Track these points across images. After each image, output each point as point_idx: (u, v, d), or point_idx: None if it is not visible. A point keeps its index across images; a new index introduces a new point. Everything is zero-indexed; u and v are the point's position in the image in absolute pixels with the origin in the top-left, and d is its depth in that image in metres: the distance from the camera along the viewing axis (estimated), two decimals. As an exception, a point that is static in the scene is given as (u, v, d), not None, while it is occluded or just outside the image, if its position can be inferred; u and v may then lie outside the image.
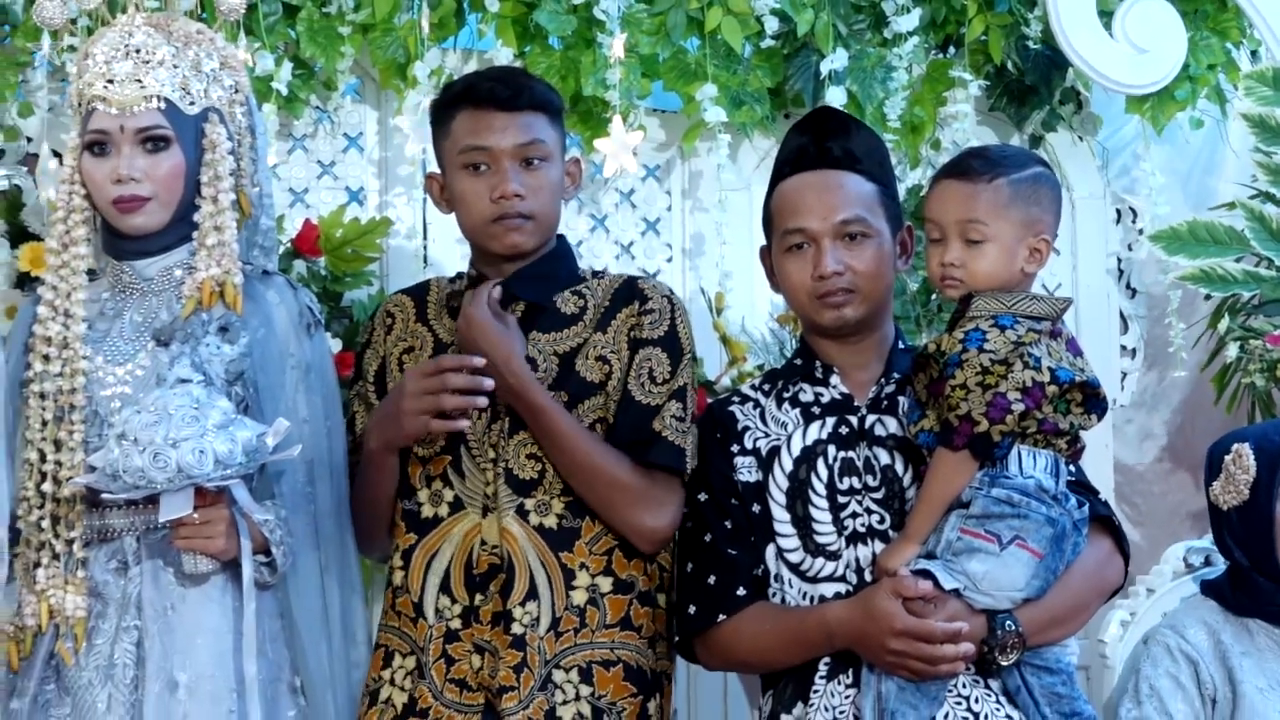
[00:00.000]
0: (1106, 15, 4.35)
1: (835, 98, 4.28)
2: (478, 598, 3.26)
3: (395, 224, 4.27)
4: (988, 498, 3.10)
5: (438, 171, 3.43)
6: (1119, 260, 4.62)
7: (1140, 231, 4.57)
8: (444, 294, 3.45)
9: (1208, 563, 3.83)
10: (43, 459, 3.27)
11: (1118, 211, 4.63)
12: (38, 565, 3.27)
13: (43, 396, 3.27)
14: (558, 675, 3.24)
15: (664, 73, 4.34)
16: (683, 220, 4.47)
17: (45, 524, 3.26)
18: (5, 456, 3.31)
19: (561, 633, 3.25)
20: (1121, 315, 4.62)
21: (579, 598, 3.26)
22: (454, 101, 3.38)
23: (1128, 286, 4.64)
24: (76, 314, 3.30)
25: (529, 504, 3.27)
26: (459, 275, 3.47)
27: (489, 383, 3.21)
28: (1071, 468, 3.21)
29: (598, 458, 3.25)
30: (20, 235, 4.03)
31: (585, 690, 3.24)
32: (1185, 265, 4.41)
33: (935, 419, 3.14)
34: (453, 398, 3.21)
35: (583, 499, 3.26)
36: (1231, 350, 4.40)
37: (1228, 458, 3.60)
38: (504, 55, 4.21)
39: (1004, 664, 3.11)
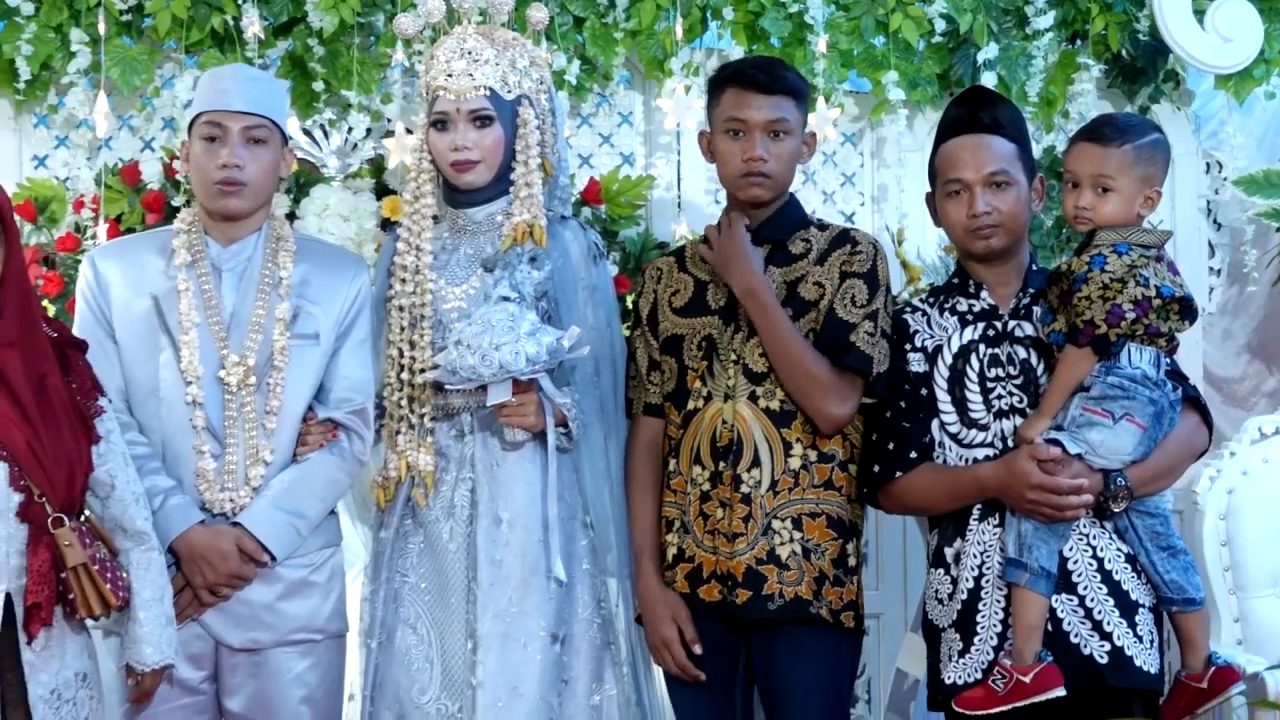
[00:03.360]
0: (1200, 13, 4.27)
1: (988, 81, 4.24)
2: (721, 464, 3.29)
3: (656, 180, 4.29)
4: (1104, 383, 3.09)
5: (708, 130, 3.43)
6: (1208, 201, 4.53)
7: (1225, 179, 4.49)
8: (697, 244, 3.45)
9: (1276, 432, 3.78)
10: (401, 355, 3.36)
11: (1206, 164, 4.54)
12: (398, 433, 3.37)
13: (401, 309, 3.37)
14: (775, 524, 3.26)
15: (857, 63, 4.33)
16: (871, 175, 4.46)
17: (404, 403, 3.36)
18: (373, 353, 3.41)
19: (778, 492, 3.26)
20: (1209, 244, 4.54)
21: (794, 464, 3.27)
22: (727, 80, 3.38)
23: (1214, 222, 4.56)
24: (425, 248, 3.38)
25: (759, 391, 3.28)
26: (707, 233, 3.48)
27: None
28: (1169, 360, 3.17)
29: (803, 353, 3.25)
30: (382, 190, 4.11)
31: (796, 535, 3.25)
32: (1260, 204, 4.34)
33: (1064, 323, 3.13)
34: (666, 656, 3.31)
35: (783, 384, 3.26)
36: (1296, 269, 4.36)
37: None
38: (737, 52, 4.22)
39: (1115, 510, 3.11)
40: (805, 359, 3.25)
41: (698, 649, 3.28)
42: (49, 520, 2.89)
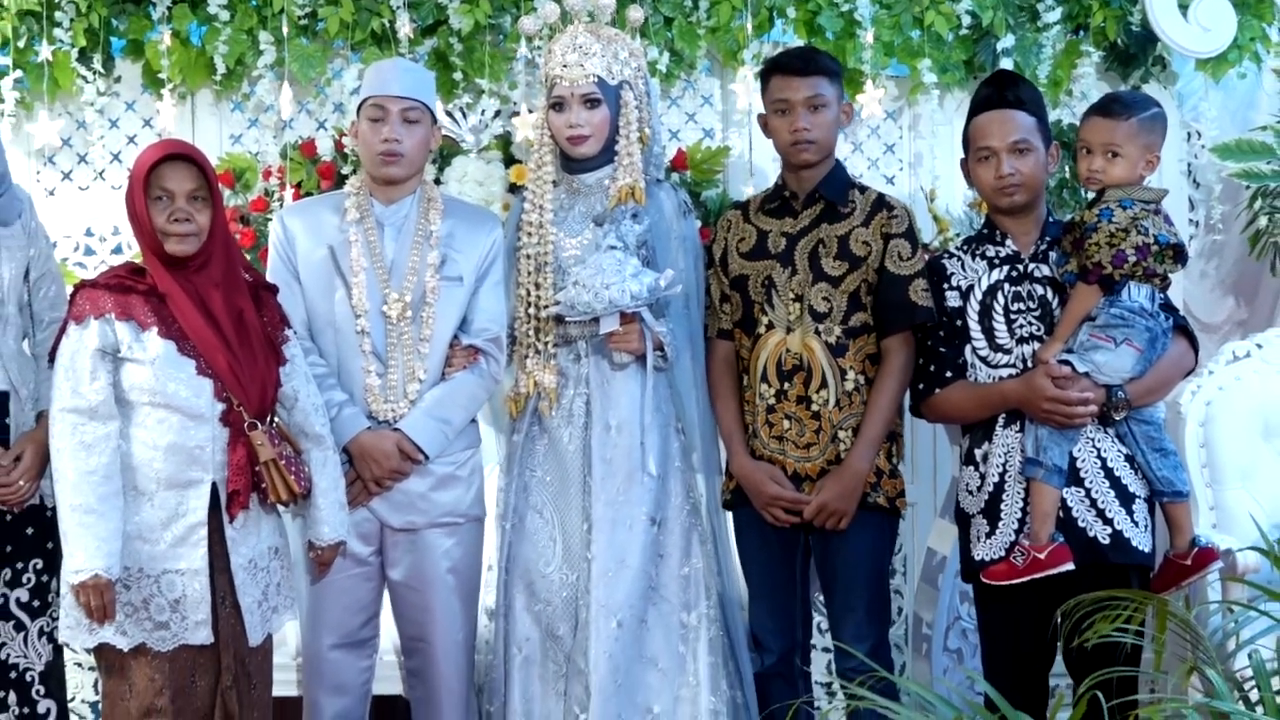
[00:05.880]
0: (1183, 7, 4.15)
1: (1005, 66, 4.13)
2: (784, 384, 3.25)
3: (731, 150, 4.22)
4: (1108, 314, 3.03)
5: (763, 112, 3.37)
6: (1188, 165, 4.42)
7: (1203, 146, 4.37)
8: (760, 200, 3.40)
9: (1248, 354, 3.68)
10: (529, 294, 3.32)
11: (1187, 134, 4.41)
12: (526, 357, 3.33)
13: (528, 257, 3.33)
14: (840, 434, 3.23)
15: (897, 52, 4.22)
16: (909, 144, 4.36)
17: (531, 333, 3.32)
18: (505, 292, 3.36)
19: (842, 407, 3.22)
20: (1190, 200, 4.43)
21: (850, 385, 3.23)
22: (771, 69, 3.33)
23: (1194, 181, 4.44)
24: (547, 207, 3.33)
25: (821, 327, 3.24)
26: (770, 188, 3.41)
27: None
28: (1162, 295, 3.10)
29: (888, 418, 3.23)
30: (509, 160, 4.07)
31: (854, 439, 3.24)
32: (1233, 167, 4.23)
33: (1076, 264, 3.06)
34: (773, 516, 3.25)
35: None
36: (1262, 220, 4.23)
37: None
38: (798, 44, 4.12)
39: (1116, 419, 3.05)
40: (892, 412, 3.24)
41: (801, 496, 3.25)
42: (245, 425, 2.91)
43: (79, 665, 3.91)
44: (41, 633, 3.06)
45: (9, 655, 3.03)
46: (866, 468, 3.21)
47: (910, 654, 3.96)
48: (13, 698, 3.02)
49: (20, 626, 3.04)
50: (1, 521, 3.03)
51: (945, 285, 3.22)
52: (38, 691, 3.05)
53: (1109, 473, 3.05)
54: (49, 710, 3.07)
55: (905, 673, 3.90)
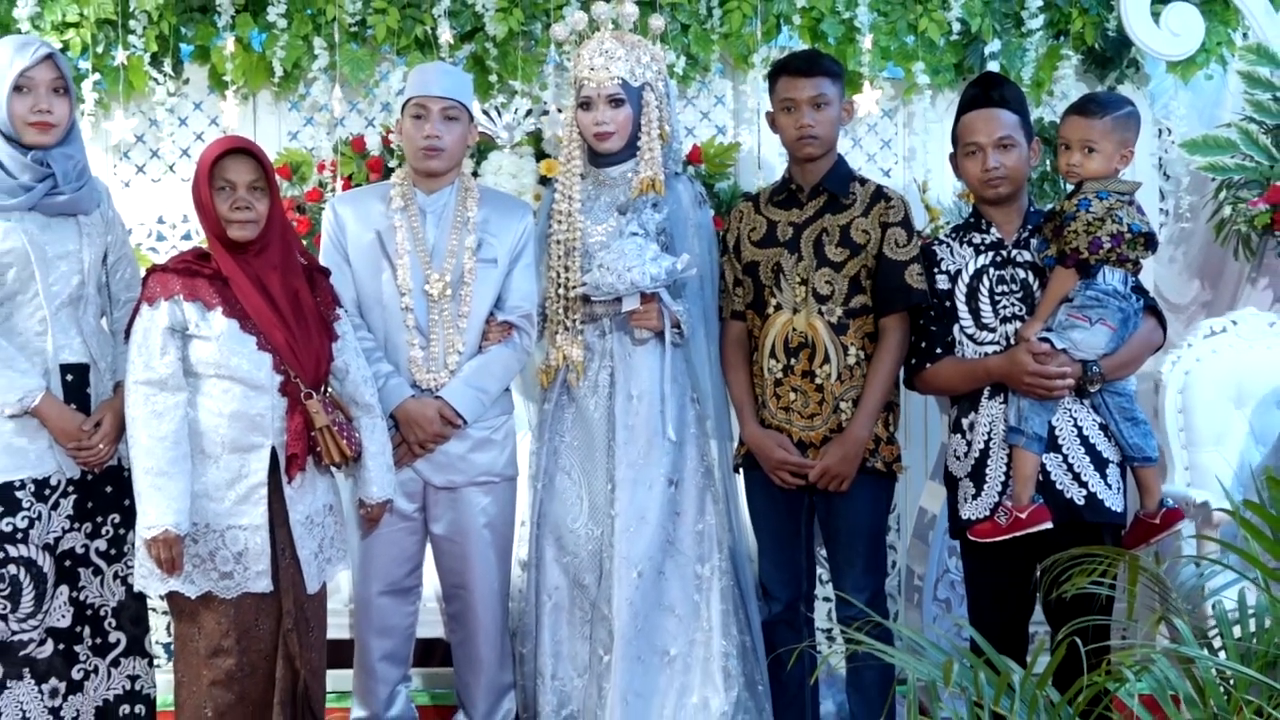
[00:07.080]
0: (1156, 14, 4.09)
1: (992, 69, 4.09)
2: (791, 360, 3.23)
3: (742, 145, 4.19)
4: (1084, 295, 3.00)
5: (771, 110, 3.33)
6: (1159, 159, 4.36)
7: (1173, 141, 4.31)
8: (769, 192, 3.37)
9: (1224, 330, 3.65)
10: (558, 276, 3.32)
11: (1158, 130, 4.36)
12: (556, 333, 3.33)
13: (558, 243, 3.32)
14: (842, 405, 3.21)
15: (893, 56, 4.18)
16: (904, 139, 4.32)
17: (561, 311, 3.32)
18: (536, 273, 3.35)
19: (843, 381, 3.20)
20: (1160, 191, 4.38)
21: (850, 360, 3.21)
22: (778, 70, 3.29)
23: (1164, 174, 4.39)
24: (575, 197, 3.32)
25: (824, 308, 3.21)
26: (778, 181, 3.39)
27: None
28: (1134, 278, 3.06)
29: (885, 390, 3.20)
30: (540, 155, 4.05)
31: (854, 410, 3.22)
32: (1200, 161, 4.16)
33: (1056, 250, 3.03)
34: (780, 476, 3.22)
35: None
36: (1226, 210, 4.17)
37: None
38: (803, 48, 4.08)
39: (1092, 391, 3.02)
40: (889, 385, 3.21)
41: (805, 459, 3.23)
42: (301, 394, 2.91)
43: (153, 610, 3.92)
44: (116, 575, 3.08)
45: (87, 596, 3.05)
46: (866, 435, 3.19)
47: (903, 603, 3.95)
48: (87, 630, 3.04)
49: (98, 571, 3.06)
50: (84, 481, 3.04)
51: (935, 270, 3.20)
52: (109, 624, 3.08)
53: (1085, 440, 3.03)
54: (119, 640, 3.09)
55: (899, 620, 3.89)
